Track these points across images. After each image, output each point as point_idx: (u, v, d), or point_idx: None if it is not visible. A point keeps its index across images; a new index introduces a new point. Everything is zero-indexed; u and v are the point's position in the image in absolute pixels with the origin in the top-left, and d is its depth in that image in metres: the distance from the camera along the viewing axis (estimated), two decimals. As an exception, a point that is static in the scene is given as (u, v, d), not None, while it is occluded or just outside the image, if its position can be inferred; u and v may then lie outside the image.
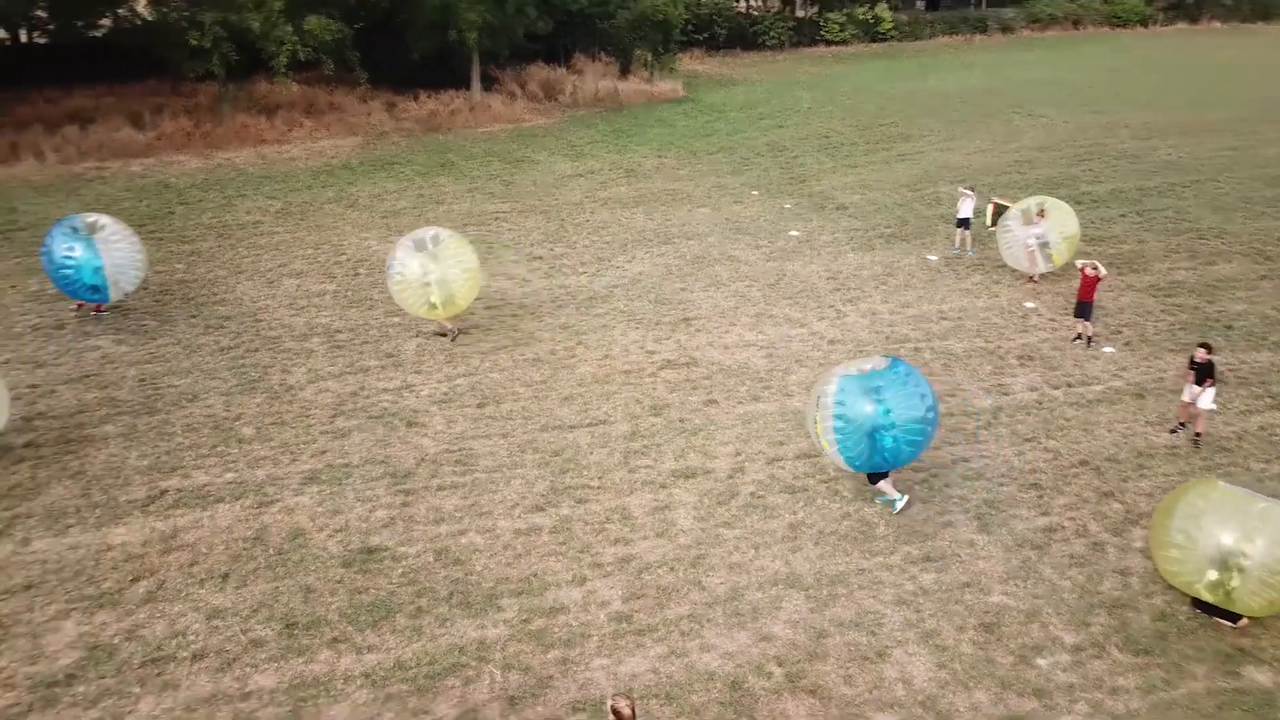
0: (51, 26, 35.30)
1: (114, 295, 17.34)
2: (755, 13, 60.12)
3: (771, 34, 57.22)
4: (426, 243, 16.45)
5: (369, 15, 38.41)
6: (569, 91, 40.36)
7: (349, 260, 21.40)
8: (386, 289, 19.46)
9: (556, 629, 10.32)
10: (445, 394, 15.29)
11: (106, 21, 34.84)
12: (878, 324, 17.97)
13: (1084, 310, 16.76)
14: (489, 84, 39.50)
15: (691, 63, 50.60)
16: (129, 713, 9.10)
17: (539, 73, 42.07)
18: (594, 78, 42.41)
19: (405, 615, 10.48)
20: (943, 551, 11.56)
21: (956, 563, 11.37)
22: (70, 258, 16.67)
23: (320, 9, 31.23)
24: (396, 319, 18.10)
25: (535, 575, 11.15)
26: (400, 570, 11.18)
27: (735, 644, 10.11)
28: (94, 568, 11.07)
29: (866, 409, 11.48)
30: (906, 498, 12.41)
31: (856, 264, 21.14)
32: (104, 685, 9.40)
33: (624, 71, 44.33)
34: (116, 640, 9.97)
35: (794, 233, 23.43)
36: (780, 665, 9.82)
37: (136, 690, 9.36)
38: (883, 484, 12.40)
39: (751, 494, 12.80)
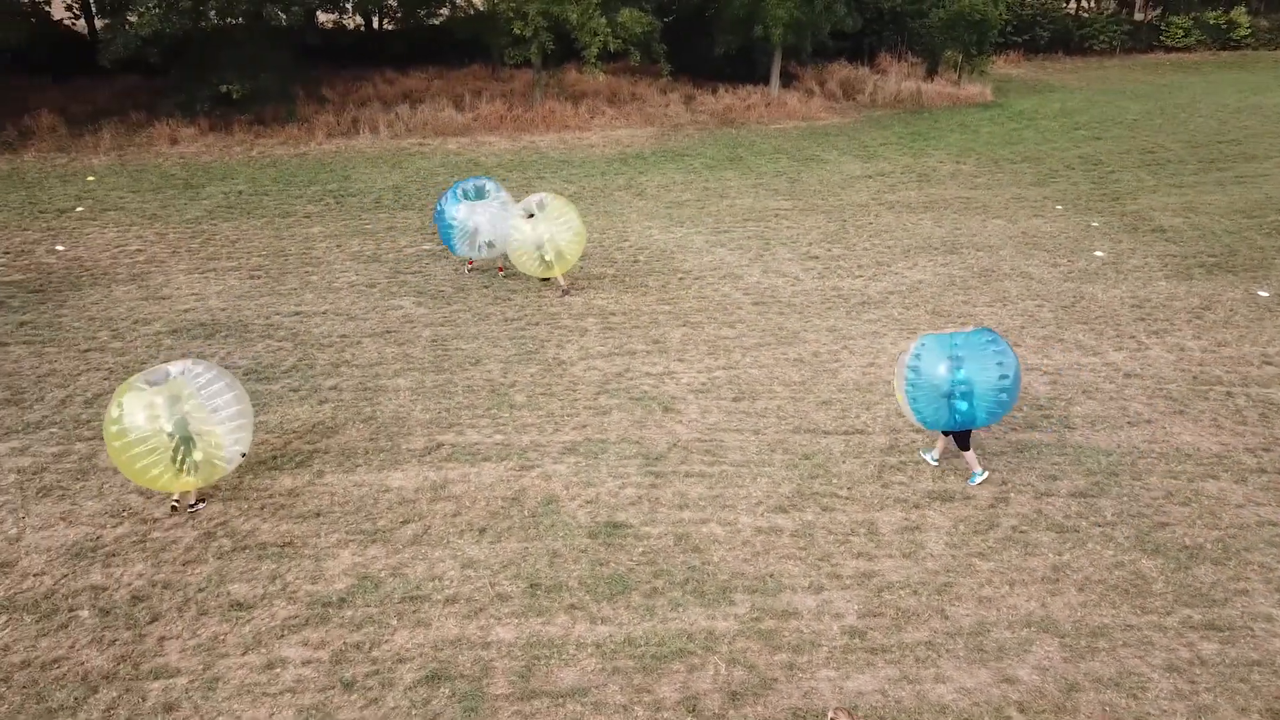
0: (399, 14, 39.15)
1: (481, 255, 19.30)
2: (1086, 14, 55.76)
3: (1101, 37, 52.87)
4: (533, 207, 18.04)
5: (680, 9, 39.50)
6: (868, 91, 39.45)
7: (631, 247, 22.13)
8: (663, 276, 20.00)
9: (787, 632, 10.14)
10: (704, 384, 15.44)
11: (445, 11, 38.12)
12: (1185, 361, 16.16)
13: None
14: (788, 81, 39.41)
15: (1005, 66, 47.86)
16: (385, 642, 9.92)
17: (840, 71, 41.46)
18: (897, 78, 41.16)
19: (640, 594, 10.69)
20: (1231, 621, 10.21)
21: (1247, 637, 10.00)
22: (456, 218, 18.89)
23: (634, 2, 32.44)
24: (667, 307, 18.50)
25: (771, 575, 11.01)
26: (641, 549, 11.42)
27: (974, 680, 9.48)
28: (372, 506, 12.18)
29: (941, 370, 12.17)
30: (987, 474, 13.00)
31: (1168, 293, 19.11)
32: (368, 613, 10.32)
33: (930, 73, 42.70)
34: (383, 574, 10.91)
35: (1099, 253, 21.56)
36: (1022, 712, 9.09)
37: (394, 623, 10.19)
38: (969, 455, 12.92)
39: (1013, 527, 11.94)
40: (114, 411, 11.11)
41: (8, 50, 29.65)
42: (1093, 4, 57.70)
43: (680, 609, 10.47)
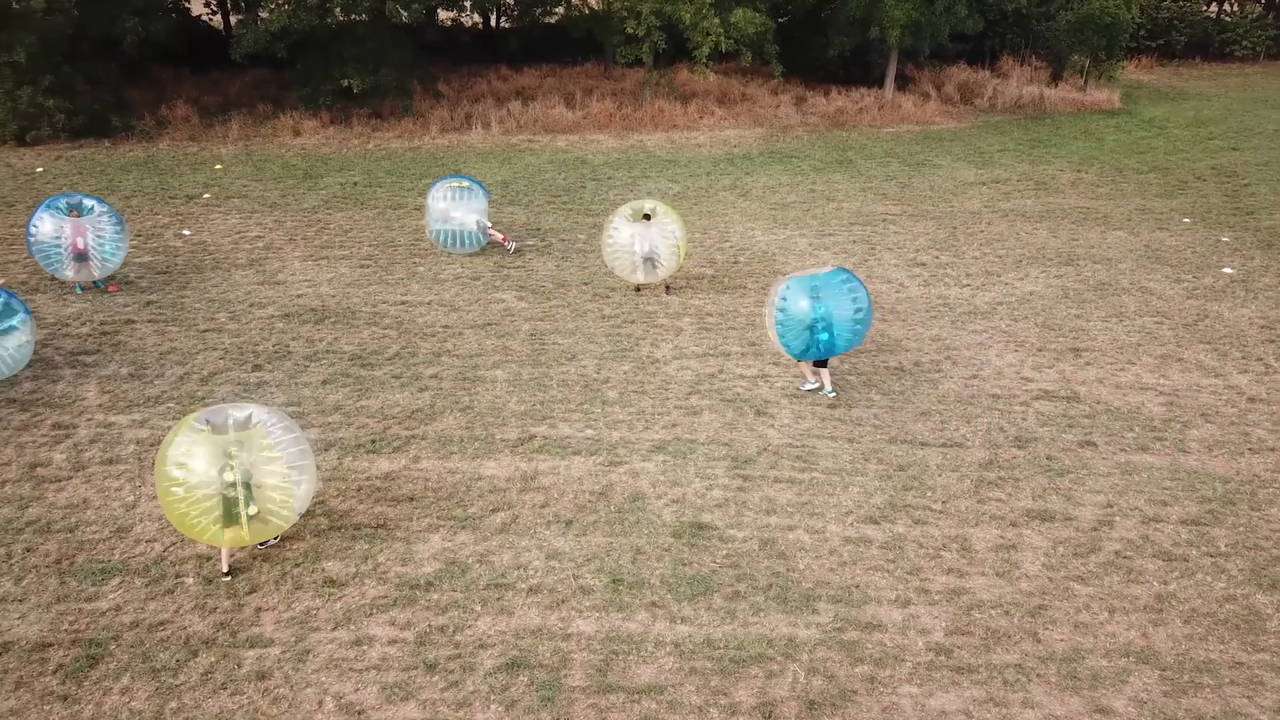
0: (516, 12, 39.83)
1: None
2: (1228, 18, 52.91)
3: (1244, 43, 50.05)
4: (645, 208, 18.27)
5: (795, 9, 39.09)
6: (988, 95, 38.32)
7: (731, 248, 22.02)
8: (764, 278, 19.83)
9: (870, 645, 9.93)
10: (798, 389, 15.24)
11: (560, 9, 38.62)
12: (1317, 386, 15.21)
13: None
14: (903, 83, 38.59)
15: (1136, 71, 45.84)
16: (468, 626, 10.10)
17: (958, 74, 40.38)
18: (1019, 82, 39.88)
19: (722, 596, 10.63)
20: (1354, 669, 9.56)
21: (1371, 686, 9.35)
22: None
23: (749, 2, 32.26)
24: (765, 309, 18.30)
25: (857, 586, 10.80)
26: (725, 551, 11.35)
27: (1065, 708, 9.11)
28: (465, 493, 12.42)
29: (804, 306, 14.11)
30: (835, 393, 15.00)
31: (1302, 314, 18.03)
32: (453, 598, 10.52)
33: (1055, 77, 41.17)
34: (470, 560, 11.12)
35: (1228, 270, 20.47)
36: (1114, 747, 8.71)
37: (478, 609, 10.37)
38: (824, 373, 15.03)
39: (1116, 552, 11.43)
40: (172, 454, 10.12)
41: (152, 43, 31.27)
42: (1235, 7, 54.68)
43: (762, 614, 10.36)
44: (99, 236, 17.88)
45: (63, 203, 17.98)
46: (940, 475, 12.98)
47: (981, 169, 29.11)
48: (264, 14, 30.98)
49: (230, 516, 10.20)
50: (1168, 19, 49.79)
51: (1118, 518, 12.09)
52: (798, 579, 10.92)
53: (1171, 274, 20.32)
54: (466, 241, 21.13)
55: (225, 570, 10.77)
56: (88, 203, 18.10)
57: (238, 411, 10.70)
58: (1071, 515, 12.16)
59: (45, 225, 17.69)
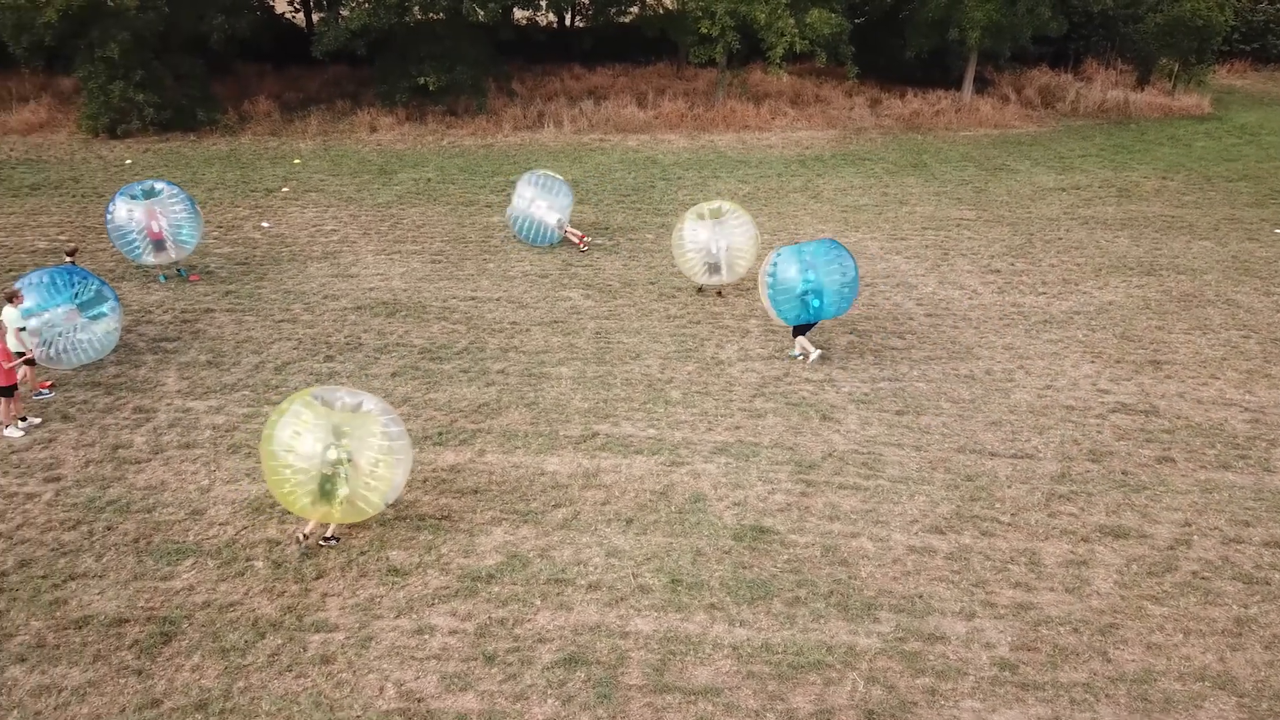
0: (591, 12, 39.98)
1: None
2: (1326, 22, 50.75)
3: (1343, 47, 48.01)
4: (705, 213, 18.27)
5: (872, 10, 38.57)
6: (1070, 99, 37.37)
7: (802, 249, 21.81)
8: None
9: (932, 656, 9.76)
10: (866, 395, 15.05)
11: (635, 9, 38.67)
12: None
13: None
14: (981, 86, 37.84)
15: (1229, 76, 44.31)
16: (528, 620, 10.18)
17: (1039, 77, 39.45)
18: (1103, 86, 38.81)
19: (782, 601, 10.54)
20: None
21: None
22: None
23: (825, 2, 31.93)
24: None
25: (920, 597, 10.62)
26: (786, 556, 11.26)
27: (1134, 733, 8.85)
28: (528, 488, 12.51)
29: (793, 274, 15.31)
30: (820, 353, 16.00)
31: (1400, 330, 17.23)
32: (513, 591, 10.61)
33: (1141, 82, 39.99)
34: (531, 555, 11.20)
35: (1319, 282, 19.68)
36: (1185, 774, 8.43)
37: (538, 603, 10.44)
38: (802, 339, 16.02)
39: (1194, 572, 11.06)
40: (284, 428, 10.55)
41: (237, 40, 32.11)
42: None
43: (822, 620, 10.25)
44: (173, 221, 18.44)
45: (138, 189, 18.61)
46: (1010, 487, 12.70)
47: (1061, 174, 28.40)
48: (345, 12, 31.59)
49: (324, 494, 10.58)
50: (1263, 21, 47.93)
51: (1196, 537, 11.70)
52: (859, 587, 10.78)
53: (1261, 286, 19.59)
54: (540, 236, 21.40)
55: (305, 533, 11.15)
56: (158, 186, 18.66)
57: (350, 397, 11.11)
58: (1147, 533, 11.81)
59: (121, 212, 18.28)
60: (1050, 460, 13.34)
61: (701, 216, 18.12)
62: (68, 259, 17.30)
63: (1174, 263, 21.02)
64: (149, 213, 18.23)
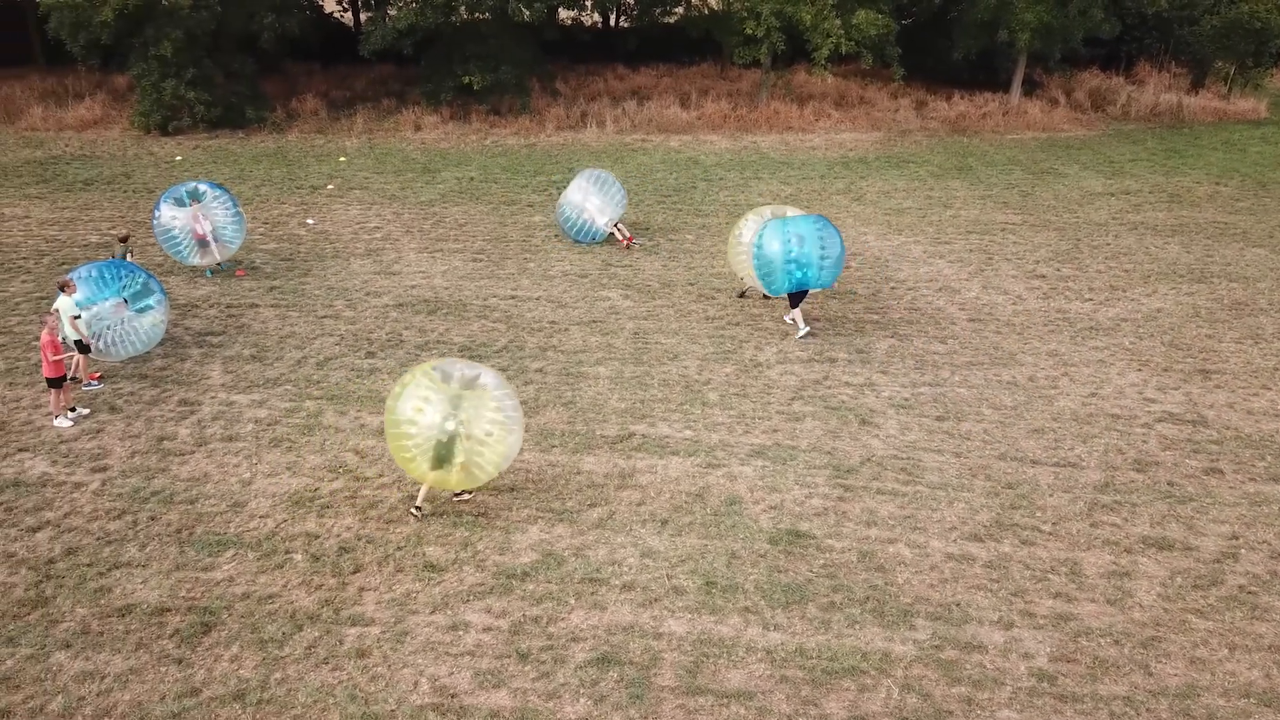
0: (635, 12, 40.02)
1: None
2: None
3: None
4: (767, 214, 17.51)
5: (920, 11, 38.21)
6: (1121, 102, 36.74)
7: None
8: (874, 284, 19.45)
9: (969, 665, 9.64)
10: (906, 399, 14.90)
11: (680, 9, 38.64)
12: None
13: None
14: (1030, 89, 37.33)
15: (1286, 80, 43.35)
16: (562, 619, 10.20)
17: (1090, 80, 38.83)
18: (1155, 89, 38.11)
19: (817, 606, 10.46)
20: None
21: None
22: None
23: (871, 3, 31.67)
24: (875, 317, 17.98)
25: (958, 604, 10.49)
26: (822, 561, 11.17)
27: (1176, 750, 8.67)
28: (563, 486, 12.55)
29: (776, 246, 16.24)
30: (808, 330, 16.89)
31: None
32: (548, 589, 10.64)
33: (1196, 85, 39.24)
34: (566, 554, 11.22)
35: (1378, 292, 19.16)
36: (1229, 794, 8.23)
37: (572, 602, 10.46)
38: (796, 313, 16.91)
39: (1240, 586, 10.81)
40: (406, 400, 11.14)
41: (286, 39, 32.60)
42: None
43: (857, 626, 10.16)
44: (218, 223, 18.89)
45: (182, 192, 19.02)
46: (1051, 495, 12.51)
47: (1110, 179, 27.92)
48: (392, 11, 31.93)
49: (440, 460, 11.11)
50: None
51: (1243, 550, 11.44)
52: (896, 593, 10.67)
53: (1316, 295, 19.13)
54: (585, 235, 21.64)
55: (418, 504, 11.84)
56: (201, 188, 19.08)
57: (469, 369, 11.66)
58: (1192, 545, 11.56)
59: (165, 215, 18.73)
60: (1094, 469, 13.11)
61: (763, 217, 17.97)
62: (119, 245, 17.74)
63: (1226, 270, 20.58)
64: (193, 215, 18.66)
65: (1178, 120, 35.70)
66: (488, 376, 11.62)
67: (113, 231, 21.65)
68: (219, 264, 19.60)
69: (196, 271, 19.61)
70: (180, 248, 18.86)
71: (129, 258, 17.40)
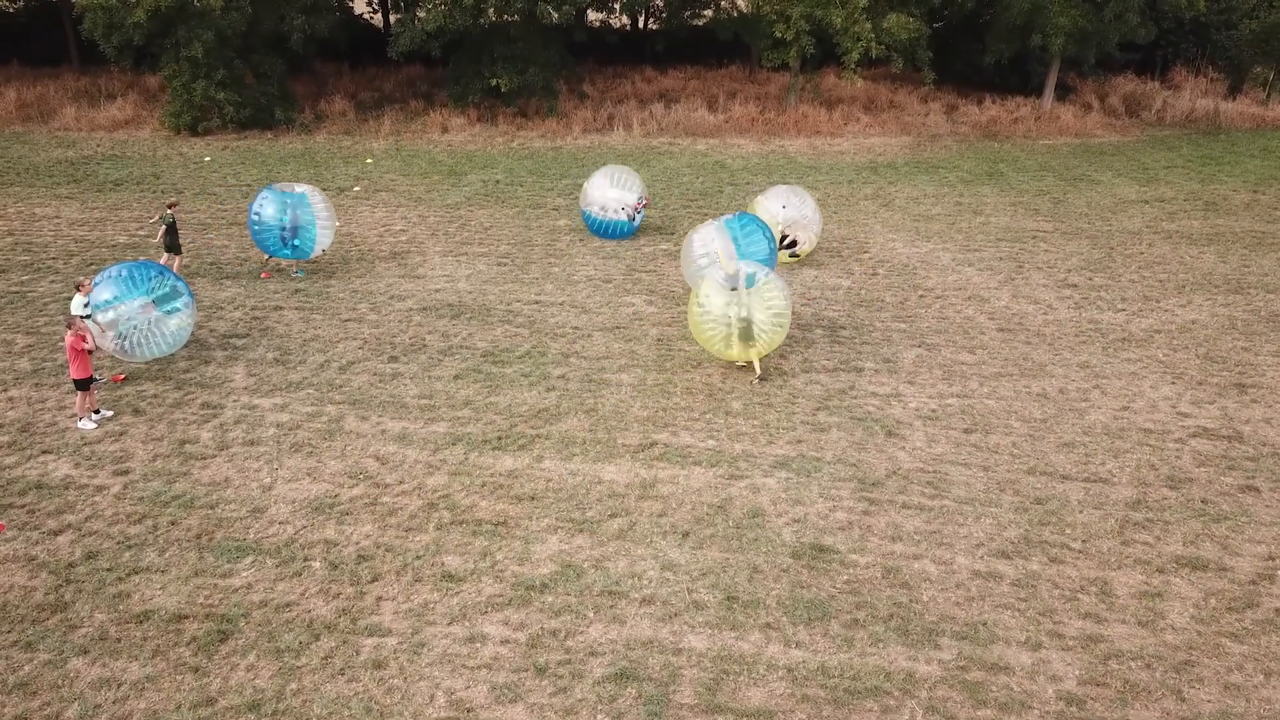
0: (664, 14, 39.93)
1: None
2: None
3: None
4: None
5: (952, 14, 37.84)
6: (1155, 108, 36.20)
7: (870, 259, 21.41)
8: (902, 292, 19.19)
9: (994, 687, 9.41)
10: (933, 411, 14.66)
11: (709, 12, 38.49)
12: None
13: None
14: (1063, 94, 36.85)
15: (1325, 85, 42.50)
16: (580, 633, 10.07)
17: (1124, 84, 38.31)
18: (1191, 95, 37.53)
19: (840, 623, 10.27)
20: None
21: None
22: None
23: (903, 7, 31.36)
24: (903, 325, 17.74)
25: (984, 624, 10.26)
26: (845, 577, 10.98)
27: (1209, 781, 8.41)
28: (584, 495, 12.43)
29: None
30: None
31: None
32: (566, 602, 10.52)
33: (1233, 91, 38.59)
34: (585, 565, 11.10)
35: None
36: (1265, 828, 7.97)
37: (590, 615, 10.33)
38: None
39: (1277, 609, 10.50)
40: (699, 296, 15.21)
41: (316, 40, 32.75)
42: None
43: (881, 645, 9.96)
44: (308, 220, 19.20)
45: (280, 187, 19.43)
46: (1081, 512, 12.23)
47: (1144, 186, 27.46)
48: (421, 13, 32.02)
49: (743, 337, 14.92)
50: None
51: (1281, 572, 11.14)
52: (921, 611, 10.46)
53: (1357, 308, 18.67)
54: (611, 232, 21.91)
55: (759, 376, 15.49)
56: (300, 189, 19.50)
57: (748, 268, 15.31)
58: (1227, 565, 11.25)
59: (266, 209, 19.13)
60: (1125, 485, 12.82)
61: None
62: (169, 210, 19.05)
63: (1263, 281, 20.14)
64: (292, 215, 19.11)
65: (1214, 126, 35.11)
66: (763, 274, 15.24)
67: (141, 233, 21.78)
68: (295, 271, 20.03)
69: (223, 274, 19.66)
70: (269, 243, 19.30)
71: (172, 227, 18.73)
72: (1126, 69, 40.07)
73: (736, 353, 15.28)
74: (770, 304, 15.04)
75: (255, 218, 19.16)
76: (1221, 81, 39.40)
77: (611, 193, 21.38)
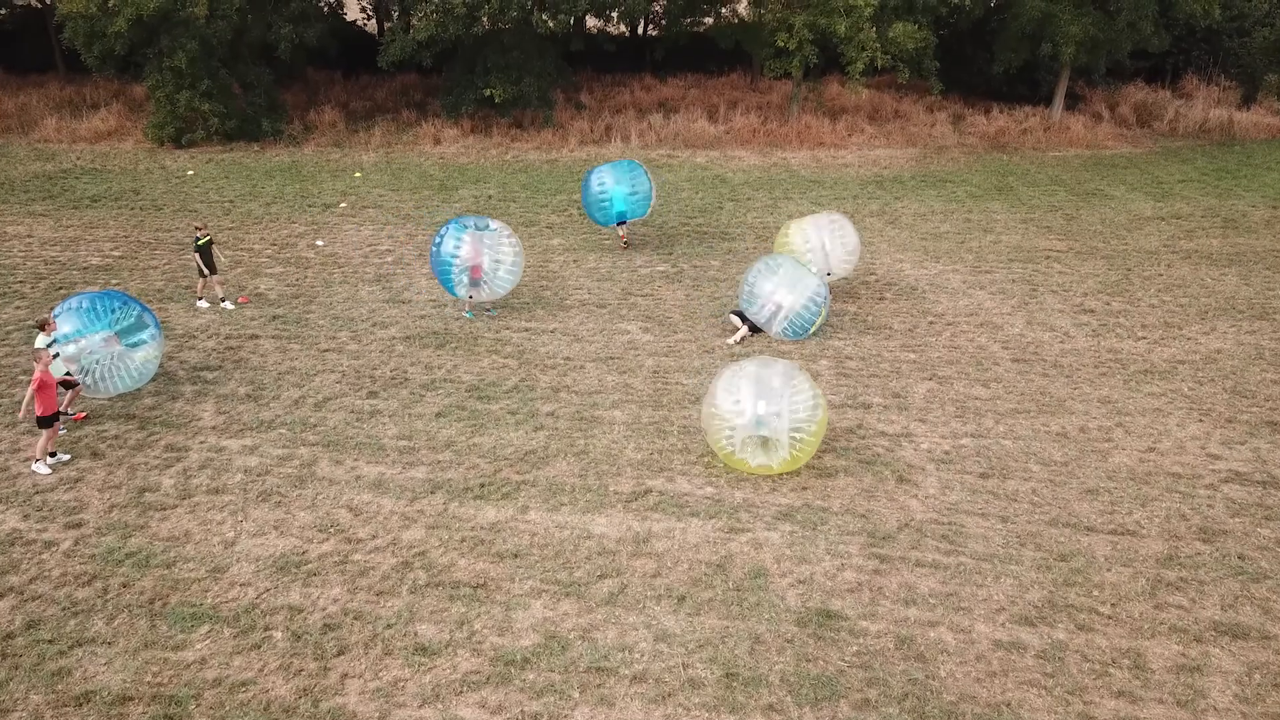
0: (664, 21, 38.97)
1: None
2: None
3: None
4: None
5: (960, 23, 36.93)
6: (1168, 118, 35.30)
7: (877, 281, 20.49)
8: (911, 319, 18.27)
9: (1021, 782, 8.49)
10: (946, 453, 13.72)
11: (709, 20, 37.55)
12: None
13: None
14: (1073, 103, 35.93)
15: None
16: (565, 716, 9.15)
17: (1135, 94, 37.40)
18: (1205, 104, 36.64)
19: (850, 704, 9.35)
20: None
21: None
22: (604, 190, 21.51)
23: (910, 15, 30.45)
24: (912, 356, 16.81)
25: (1008, 705, 9.34)
26: (855, 648, 10.05)
27: None
28: (572, 552, 11.50)
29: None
30: (743, 334, 17.34)
31: None
32: (550, 680, 9.59)
33: (1247, 100, 37.66)
34: (572, 636, 10.17)
35: None
36: None
37: (576, 696, 9.41)
38: (734, 318, 17.67)
39: (1329, 688, 9.58)
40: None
41: (305, 48, 31.85)
42: None
43: (895, 731, 9.04)
44: (495, 260, 17.68)
45: (470, 221, 17.77)
46: (1109, 570, 11.30)
47: (1160, 201, 26.54)
48: (415, 21, 31.12)
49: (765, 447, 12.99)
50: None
51: (1330, 643, 10.20)
52: (938, 689, 9.53)
53: (1389, 335, 17.74)
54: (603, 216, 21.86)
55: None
56: (493, 224, 17.87)
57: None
58: (1270, 633, 10.32)
59: (449, 243, 17.45)
60: (1155, 538, 11.89)
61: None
62: (199, 232, 18.15)
63: (1289, 305, 19.24)
64: (475, 249, 17.46)
65: (1228, 137, 34.20)
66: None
67: (116, 253, 20.88)
68: (485, 308, 18.48)
69: (198, 298, 18.74)
70: (449, 278, 17.63)
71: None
72: (1136, 77, 39.20)
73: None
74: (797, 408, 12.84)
75: (444, 254, 17.53)
76: (1234, 90, 38.51)
77: (608, 176, 21.64)
